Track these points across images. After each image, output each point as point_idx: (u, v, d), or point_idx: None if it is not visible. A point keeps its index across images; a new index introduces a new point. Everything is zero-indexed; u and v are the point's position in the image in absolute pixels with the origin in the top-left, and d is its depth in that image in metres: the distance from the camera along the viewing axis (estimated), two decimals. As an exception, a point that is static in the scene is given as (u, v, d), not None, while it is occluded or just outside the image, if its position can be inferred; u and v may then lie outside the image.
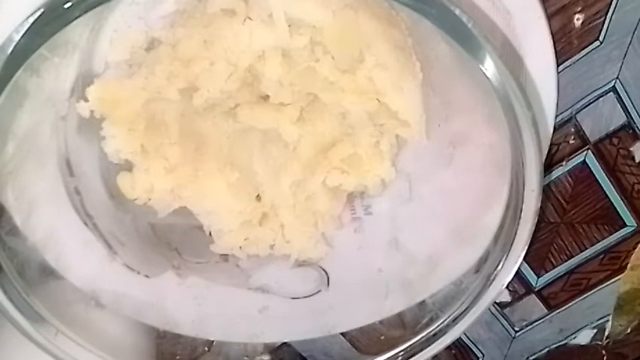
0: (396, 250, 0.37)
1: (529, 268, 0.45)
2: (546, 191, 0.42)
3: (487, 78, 0.27)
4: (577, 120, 0.40)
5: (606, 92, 0.40)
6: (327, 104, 0.35)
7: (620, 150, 0.42)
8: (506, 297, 0.46)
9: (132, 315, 0.36)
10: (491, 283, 0.32)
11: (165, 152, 0.35)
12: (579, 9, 0.37)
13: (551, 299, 0.46)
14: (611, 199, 0.43)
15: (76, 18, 0.26)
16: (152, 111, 0.34)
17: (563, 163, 0.42)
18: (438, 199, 0.37)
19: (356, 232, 0.38)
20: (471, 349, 0.47)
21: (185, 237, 0.38)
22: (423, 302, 0.36)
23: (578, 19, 0.37)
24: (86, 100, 0.33)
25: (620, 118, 0.41)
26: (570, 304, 0.47)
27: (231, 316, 0.37)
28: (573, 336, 0.48)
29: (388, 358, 0.35)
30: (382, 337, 0.37)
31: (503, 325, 0.47)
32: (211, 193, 0.36)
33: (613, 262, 0.46)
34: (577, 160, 0.42)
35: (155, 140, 0.35)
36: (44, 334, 0.31)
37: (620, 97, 0.40)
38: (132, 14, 0.32)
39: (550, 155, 0.41)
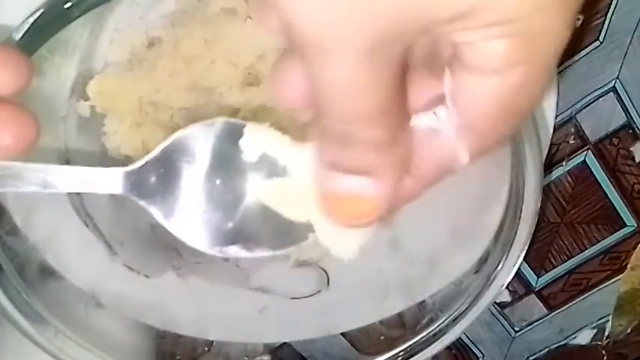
0: (396, 250, 0.37)
1: (529, 268, 0.45)
2: (546, 191, 0.42)
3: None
4: (577, 120, 0.40)
5: (606, 92, 0.40)
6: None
7: (620, 150, 0.42)
8: (506, 297, 0.46)
9: (132, 315, 0.36)
10: (491, 283, 0.32)
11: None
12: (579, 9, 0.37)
13: (551, 299, 0.46)
14: (611, 199, 0.43)
15: (76, 18, 0.26)
16: (153, 108, 0.34)
17: (563, 163, 0.42)
18: (437, 199, 0.36)
19: (356, 232, 0.38)
20: (471, 349, 0.47)
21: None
22: (423, 302, 0.36)
23: (578, 19, 0.37)
24: (86, 99, 0.33)
25: (620, 118, 0.41)
26: (570, 304, 0.47)
27: (231, 316, 0.37)
28: (573, 336, 0.48)
29: (388, 358, 0.35)
30: (382, 337, 0.37)
31: (503, 325, 0.47)
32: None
33: (613, 262, 0.46)
34: (577, 160, 0.42)
35: (156, 137, 0.35)
36: (44, 334, 0.31)
37: (620, 97, 0.40)
38: (132, 14, 0.32)
39: (550, 155, 0.41)
